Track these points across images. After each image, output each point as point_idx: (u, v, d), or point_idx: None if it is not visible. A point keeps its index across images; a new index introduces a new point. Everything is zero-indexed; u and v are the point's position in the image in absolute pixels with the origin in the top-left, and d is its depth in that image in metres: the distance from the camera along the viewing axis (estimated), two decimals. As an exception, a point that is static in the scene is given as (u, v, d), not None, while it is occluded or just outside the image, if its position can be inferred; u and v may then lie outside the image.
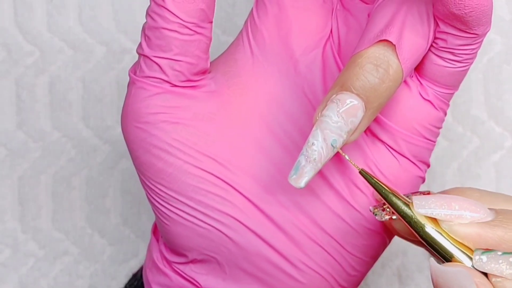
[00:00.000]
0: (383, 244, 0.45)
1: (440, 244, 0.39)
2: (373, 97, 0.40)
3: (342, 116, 0.40)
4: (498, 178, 0.60)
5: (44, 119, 0.61)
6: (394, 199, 0.40)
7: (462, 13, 0.40)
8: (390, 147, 0.44)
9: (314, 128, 0.40)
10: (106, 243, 0.61)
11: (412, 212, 0.39)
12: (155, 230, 0.48)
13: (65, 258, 0.61)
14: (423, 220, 0.39)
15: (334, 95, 0.40)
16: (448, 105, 0.44)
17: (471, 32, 0.41)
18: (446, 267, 0.38)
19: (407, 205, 0.39)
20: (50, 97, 0.61)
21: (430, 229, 0.39)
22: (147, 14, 0.43)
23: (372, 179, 0.40)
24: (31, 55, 0.61)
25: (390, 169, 0.44)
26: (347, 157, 0.40)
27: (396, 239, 0.62)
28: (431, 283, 0.61)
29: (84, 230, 0.61)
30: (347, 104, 0.40)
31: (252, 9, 0.46)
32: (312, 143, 0.40)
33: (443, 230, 0.39)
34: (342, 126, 0.40)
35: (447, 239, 0.39)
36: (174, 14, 0.42)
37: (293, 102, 0.45)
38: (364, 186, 0.44)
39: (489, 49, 0.61)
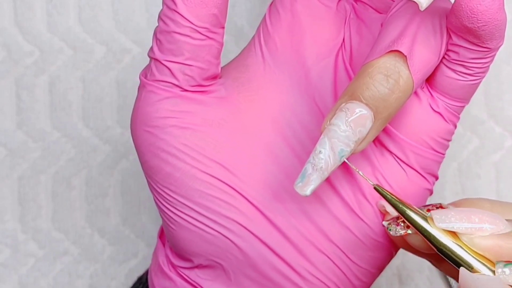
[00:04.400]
0: (389, 255, 0.45)
1: (461, 257, 0.39)
2: (382, 107, 0.40)
3: (350, 125, 0.39)
4: (498, 178, 0.60)
5: (44, 119, 0.61)
6: (412, 214, 0.40)
7: (475, 27, 0.40)
8: (398, 158, 0.44)
9: (321, 136, 0.40)
10: (106, 243, 0.61)
11: (431, 226, 0.39)
12: (161, 234, 0.48)
13: (65, 258, 0.61)
14: (442, 234, 0.39)
15: (343, 104, 0.40)
16: (458, 118, 0.44)
17: (484, 46, 0.41)
18: (479, 275, 0.38)
19: (425, 220, 0.40)
20: (50, 97, 0.61)
21: (450, 242, 0.39)
22: (159, 18, 0.43)
23: (388, 194, 0.40)
24: (31, 55, 0.61)
25: (398, 181, 0.44)
26: (361, 173, 0.40)
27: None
28: (431, 283, 0.61)
29: (84, 230, 0.61)
30: (356, 113, 0.39)
31: (265, 15, 0.46)
32: (319, 151, 0.40)
33: (463, 243, 0.39)
34: (350, 136, 0.39)
35: (468, 252, 0.39)
36: (186, 19, 0.42)
37: (304, 110, 0.44)
38: (372, 198, 0.44)
39: (489, 49, 0.61)
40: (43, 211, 0.61)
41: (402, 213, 0.40)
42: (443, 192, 0.60)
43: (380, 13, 0.44)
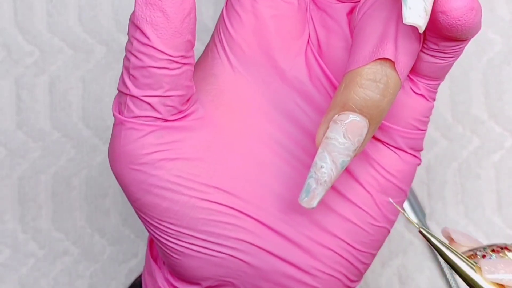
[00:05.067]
0: (387, 234, 0.46)
1: None
2: (376, 113, 0.39)
3: (348, 137, 0.39)
4: (498, 178, 0.60)
5: (44, 119, 0.61)
6: (459, 262, 0.38)
7: (456, 36, 0.40)
8: (389, 144, 0.44)
9: (320, 151, 0.39)
10: (106, 243, 0.61)
11: (478, 275, 0.38)
12: (152, 253, 0.47)
13: (65, 258, 0.61)
14: (490, 285, 0.38)
15: (336, 116, 0.39)
16: (436, 92, 0.44)
17: (463, 40, 0.41)
18: None
19: (473, 269, 0.38)
20: (50, 97, 0.61)
21: None
22: (130, 53, 0.41)
23: (434, 238, 0.39)
24: (31, 55, 0.61)
25: (394, 166, 0.44)
26: (406, 215, 0.40)
27: (396, 238, 0.62)
28: (431, 283, 0.61)
29: (84, 230, 0.61)
30: (352, 124, 0.39)
31: (222, 19, 0.44)
32: (321, 166, 0.39)
33: None
34: (350, 147, 0.39)
35: None
36: (162, 52, 0.40)
37: (285, 114, 0.44)
38: (367, 184, 0.44)
39: (489, 49, 0.61)
40: (43, 211, 0.61)
41: (447, 260, 0.39)
42: (443, 192, 0.60)
43: (342, 1, 0.43)
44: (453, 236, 0.43)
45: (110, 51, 0.61)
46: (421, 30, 0.38)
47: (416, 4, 0.38)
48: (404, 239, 0.60)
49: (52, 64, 0.61)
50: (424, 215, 0.60)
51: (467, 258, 0.39)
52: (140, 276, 0.51)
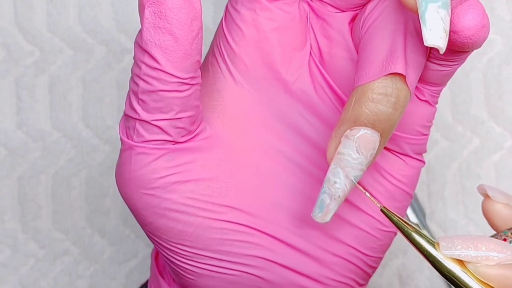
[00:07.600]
0: (394, 237, 0.46)
1: (467, 284, 0.38)
2: (388, 126, 0.39)
3: (361, 152, 0.39)
4: (498, 178, 0.60)
5: (44, 119, 0.61)
6: (418, 238, 0.39)
7: (465, 50, 0.40)
8: (394, 151, 0.44)
9: (332, 166, 0.39)
10: (106, 243, 0.61)
11: (437, 251, 0.39)
12: (158, 267, 0.47)
13: (65, 258, 0.61)
14: (448, 260, 0.38)
15: (348, 131, 0.39)
16: (439, 96, 0.45)
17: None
18: None
19: (432, 245, 0.39)
20: (50, 97, 0.61)
21: (455, 269, 0.38)
22: (138, 77, 0.40)
23: (394, 216, 0.39)
24: (31, 55, 0.61)
25: (400, 171, 0.44)
26: (368, 194, 0.40)
27: (396, 238, 0.62)
28: (431, 283, 0.61)
29: (84, 230, 0.61)
30: (365, 139, 0.39)
31: (221, 31, 0.44)
32: (335, 182, 0.39)
33: (469, 271, 0.38)
34: (363, 161, 0.39)
35: (473, 280, 0.38)
36: (173, 75, 0.40)
37: (290, 126, 0.44)
38: (373, 189, 0.44)
39: (489, 49, 0.61)
40: (43, 211, 0.61)
41: (407, 236, 0.39)
42: (443, 192, 0.60)
43: (343, 10, 0.43)
44: (489, 193, 0.43)
45: (110, 51, 0.61)
46: (442, 52, 0.38)
47: (436, 25, 0.38)
48: (404, 239, 0.60)
49: (52, 64, 0.61)
50: (424, 215, 0.60)
51: (427, 236, 0.39)
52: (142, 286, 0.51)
